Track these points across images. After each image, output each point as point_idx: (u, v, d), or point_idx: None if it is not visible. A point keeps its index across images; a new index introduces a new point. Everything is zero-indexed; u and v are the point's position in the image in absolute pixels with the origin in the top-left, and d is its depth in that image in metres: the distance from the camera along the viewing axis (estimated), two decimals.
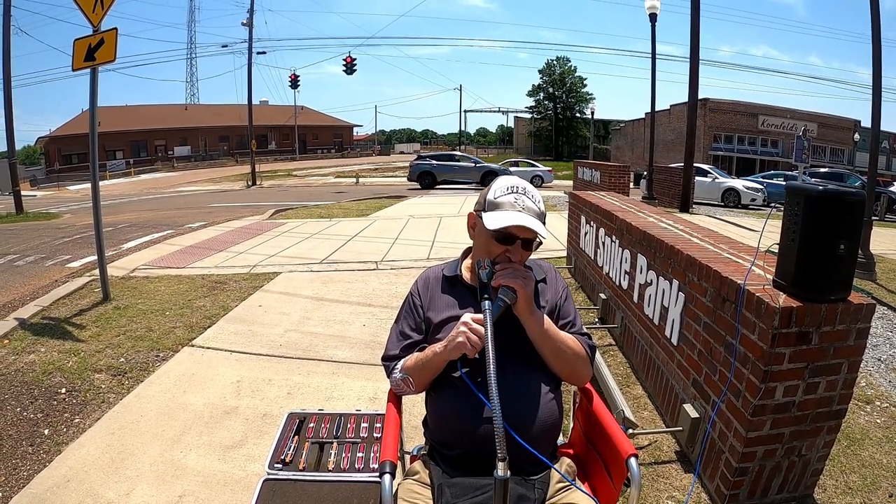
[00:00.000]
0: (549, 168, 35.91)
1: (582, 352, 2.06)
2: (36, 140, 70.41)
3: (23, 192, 21.69)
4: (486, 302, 1.79)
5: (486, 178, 26.94)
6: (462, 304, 2.05)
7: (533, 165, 36.10)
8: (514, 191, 1.99)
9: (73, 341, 5.51)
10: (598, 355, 4.47)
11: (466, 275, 2.18)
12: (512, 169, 33.47)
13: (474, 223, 2.10)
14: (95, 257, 7.42)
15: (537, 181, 31.85)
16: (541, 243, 2.03)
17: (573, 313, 2.18)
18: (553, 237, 10.75)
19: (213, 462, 3.54)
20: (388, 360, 2.14)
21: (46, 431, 3.94)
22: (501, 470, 1.47)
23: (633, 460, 1.80)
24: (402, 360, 2.08)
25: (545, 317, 2.01)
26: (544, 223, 2.00)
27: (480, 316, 1.83)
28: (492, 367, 1.57)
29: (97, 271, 7.32)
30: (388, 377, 2.13)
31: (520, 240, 1.97)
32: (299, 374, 4.85)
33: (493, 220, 1.93)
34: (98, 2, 6.59)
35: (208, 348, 5.39)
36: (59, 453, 3.66)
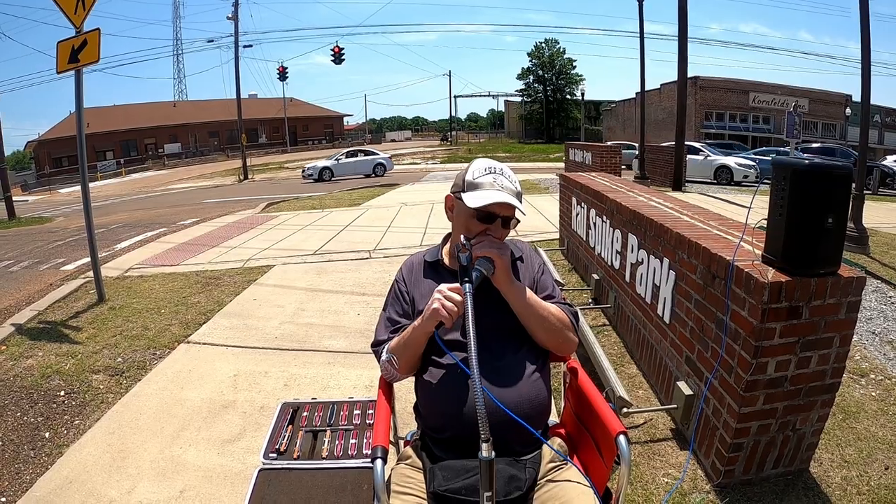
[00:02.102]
0: (389, 155, 34.62)
1: (566, 319, 2.09)
2: (25, 144, 70.03)
3: (14, 198, 21.58)
4: (468, 285, 1.78)
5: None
6: None
7: (373, 154, 33.86)
8: (492, 171, 2.05)
9: (70, 344, 5.52)
10: (592, 336, 4.49)
11: (447, 259, 2.21)
12: (351, 160, 32.28)
13: (452, 205, 2.14)
14: (89, 259, 7.41)
15: (380, 169, 31.80)
16: (518, 221, 2.08)
17: (551, 285, 2.22)
18: (545, 219, 10.77)
19: (213, 456, 3.56)
20: (377, 346, 2.16)
21: (47, 434, 3.96)
22: (486, 451, 1.48)
23: (622, 438, 1.81)
24: (389, 342, 2.10)
25: (527, 288, 2.05)
26: (521, 202, 2.04)
27: (455, 284, 1.86)
28: (473, 344, 1.58)
29: (91, 273, 7.31)
30: (378, 363, 2.15)
31: (499, 218, 2.02)
32: (295, 365, 4.87)
33: (474, 199, 1.98)
34: (79, 3, 6.55)
35: (204, 344, 5.40)
36: (61, 455, 3.67)
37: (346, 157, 32.39)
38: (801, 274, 2.63)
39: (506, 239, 2.15)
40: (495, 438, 1.50)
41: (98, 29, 6.54)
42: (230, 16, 34.88)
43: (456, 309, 1.83)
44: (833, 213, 2.56)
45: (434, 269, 2.21)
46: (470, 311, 1.69)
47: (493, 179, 2.01)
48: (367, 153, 34.04)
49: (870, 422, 3.64)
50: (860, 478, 3.10)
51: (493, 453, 1.49)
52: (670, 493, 3.02)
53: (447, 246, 2.26)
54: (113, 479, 3.36)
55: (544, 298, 2.12)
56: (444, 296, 1.86)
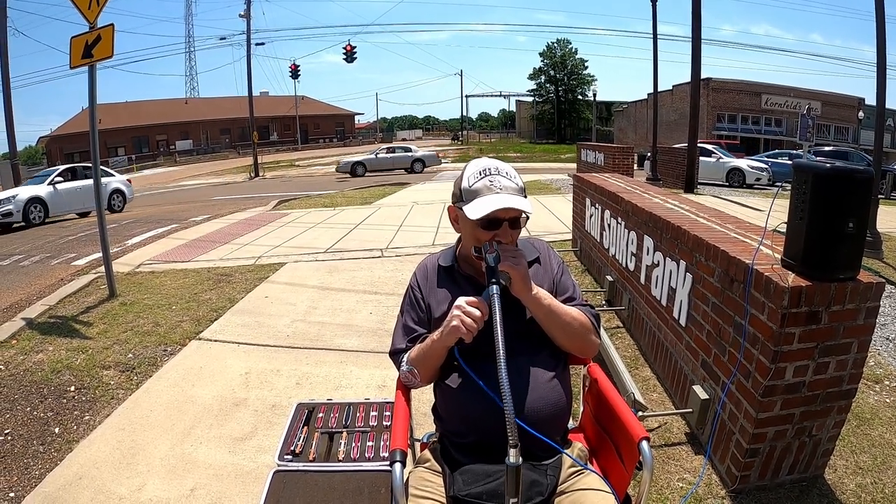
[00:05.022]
0: (129, 178, 21.52)
1: (588, 323, 2.04)
2: (37, 140, 70.25)
3: None
4: (494, 287, 1.75)
5: None
6: (460, 295, 1.99)
7: (107, 174, 19.67)
8: (487, 173, 1.95)
9: (81, 339, 5.53)
10: (606, 338, 4.47)
11: (462, 264, 2.15)
12: (73, 185, 17.88)
13: (456, 216, 2.06)
14: (100, 254, 7.42)
15: (118, 199, 19.65)
16: (528, 219, 1.99)
17: (572, 287, 2.16)
18: (557, 220, 10.75)
19: (224, 454, 3.55)
20: (396, 354, 2.12)
21: (57, 430, 3.96)
22: (513, 457, 1.47)
23: (644, 443, 1.78)
24: (408, 353, 2.06)
25: (547, 293, 1.99)
26: (525, 197, 1.97)
27: (474, 299, 1.82)
28: (501, 353, 1.55)
29: (102, 268, 7.33)
30: (398, 371, 2.11)
31: (506, 221, 1.93)
32: (307, 364, 4.86)
33: (474, 210, 1.89)
34: None
35: (216, 341, 5.40)
36: (71, 451, 3.68)
37: (64, 178, 18.23)
38: (821, 279, 2.61)
39: (524, 238, 2.11)
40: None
41: (112, 24, 6.54)
42: (242, 13, 35.00)
43: (475, 325, 1.79)
44: (854, 217, 2.53)
45: (449, 275, 2.15)
46: (498, 314, 1.66)
47: (489, 182, 1.92)
48: (103, 173, 16.61)
49: (884, 428, 3.60)
50: (875, 485, 3.07)
51: (521, 459, 1.48)
52: (686, 498, 2.99)
53: (461, 248, 2.19)
54: (123, 475, 3.36)
55: (565, 300, 2.08)
56: (464, 312, 1.81)
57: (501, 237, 1.93)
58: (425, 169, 32.19)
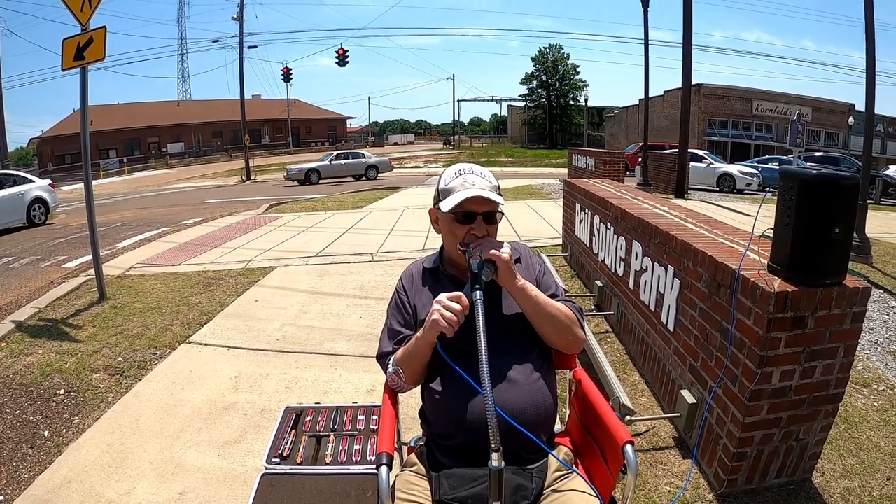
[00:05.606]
0: (50, 182, 17.42)
1: (573, 315, 2.08)
2: (28, 141, 70.08)
3: None
4: (478, 292, 1.77)
5: None
6: None
7: (28, 180, 17.11)
8: (462, 172, 2.07)
9: (71, 342, 5.51)
10: (594, 342, 4.48)
11: (447, 266, 2.21)
12: None
13: (436, 217, 2.15)
14: (91, 257, 7.40)
15: (39, 209, 16.36)
16: (503, 214, 2.09)
17: (554, 284, 2.21)
18: (548, 224, 10.75)
19: (213, 458, 3.54)
20: (383, 358, 2.14)
21: (46, 433, 3.94)
22: (496, 460, 1.48)
23: (629, 447, 1.80)
24: (394, 354, 2.09)
25: (532, 285, 2.03)
26: (500, 195, 2.05)
27: (455, 293, 1.87)
28: (484, 359, 1.57)
29: (93, 271, 7.30)
30: (385, 374, 2.13)
31: (480, 215, 2.01)
32: (297, 368, 4.85)
33: (447, 204, 2.00)
34: (86, 1, 6.55)
35: (205, 345, 5.39)
36: (60, 454, 3.66)
37: None
38: (807, 284, 2.63)
39: (506, 242, 2.14)
40: (503, 446, 1.50)
41: (104, 27, 6.53)
42: (235, 16, 35.03)
43: (456, 318, 1.82)
44: (840, 223, 2.56)
45: (434, 276, 2.20)
46: (481, 318, 1.68)
47: (463, 180, 2.03)
48: (19, 179, 16.97)
49: (872, 432, 3.63)
50: (862, 488, 3.09)
51: (503, 463, 1.49)
52: (673, 502, 3.01)
53: (445, 252, 2.24)
54: (112, 479, 3.35)
55: (549, 297, 2.10)
56: (444, 306, 1.85)
57: (476, 231, 2.01)
58: (379, 175, 32.11)
